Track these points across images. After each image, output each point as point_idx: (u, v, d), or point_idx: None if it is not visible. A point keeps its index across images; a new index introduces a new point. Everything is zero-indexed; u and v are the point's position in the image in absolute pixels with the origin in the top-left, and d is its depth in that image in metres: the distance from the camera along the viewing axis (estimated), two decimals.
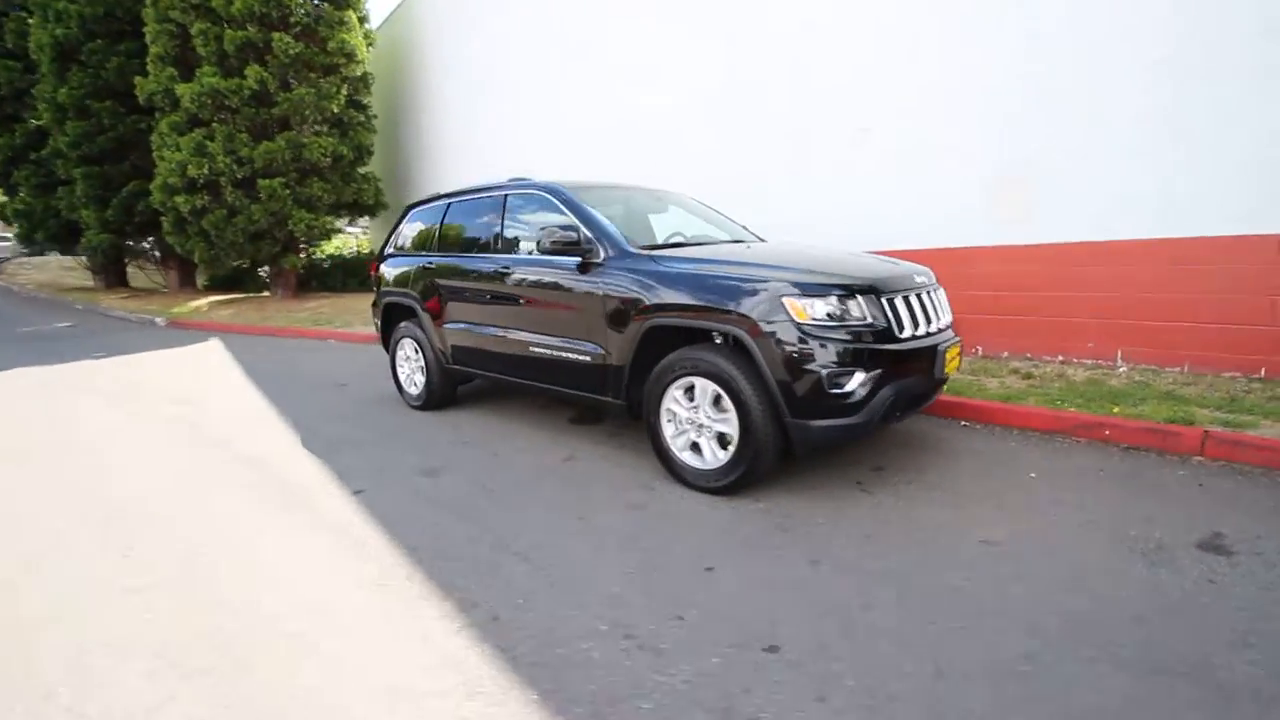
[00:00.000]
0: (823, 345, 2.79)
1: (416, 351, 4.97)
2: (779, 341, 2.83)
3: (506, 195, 4.30)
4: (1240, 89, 4.23)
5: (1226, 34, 4.26)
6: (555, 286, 3.77)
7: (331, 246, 15.56)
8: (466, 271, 4.42)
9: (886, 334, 2.92)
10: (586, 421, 4.51)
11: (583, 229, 3.61)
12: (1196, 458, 3.40)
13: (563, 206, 3.86)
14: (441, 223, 4.81)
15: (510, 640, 2.04)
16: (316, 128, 11.98)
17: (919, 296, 3.17)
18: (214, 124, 11.13)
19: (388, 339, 5.35)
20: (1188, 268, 4.51)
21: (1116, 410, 3.86)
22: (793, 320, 2.82)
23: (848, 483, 3.20)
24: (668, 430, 3.26)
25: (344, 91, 11.83)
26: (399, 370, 5.20)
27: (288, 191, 11.30)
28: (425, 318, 4.77)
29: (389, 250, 5.35)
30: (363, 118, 12.73)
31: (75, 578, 2.53)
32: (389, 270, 5.23)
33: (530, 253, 4.05)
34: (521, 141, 10.59)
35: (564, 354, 3.73)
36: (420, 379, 4.97)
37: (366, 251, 17.49)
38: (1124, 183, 4.70)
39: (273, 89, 11.08)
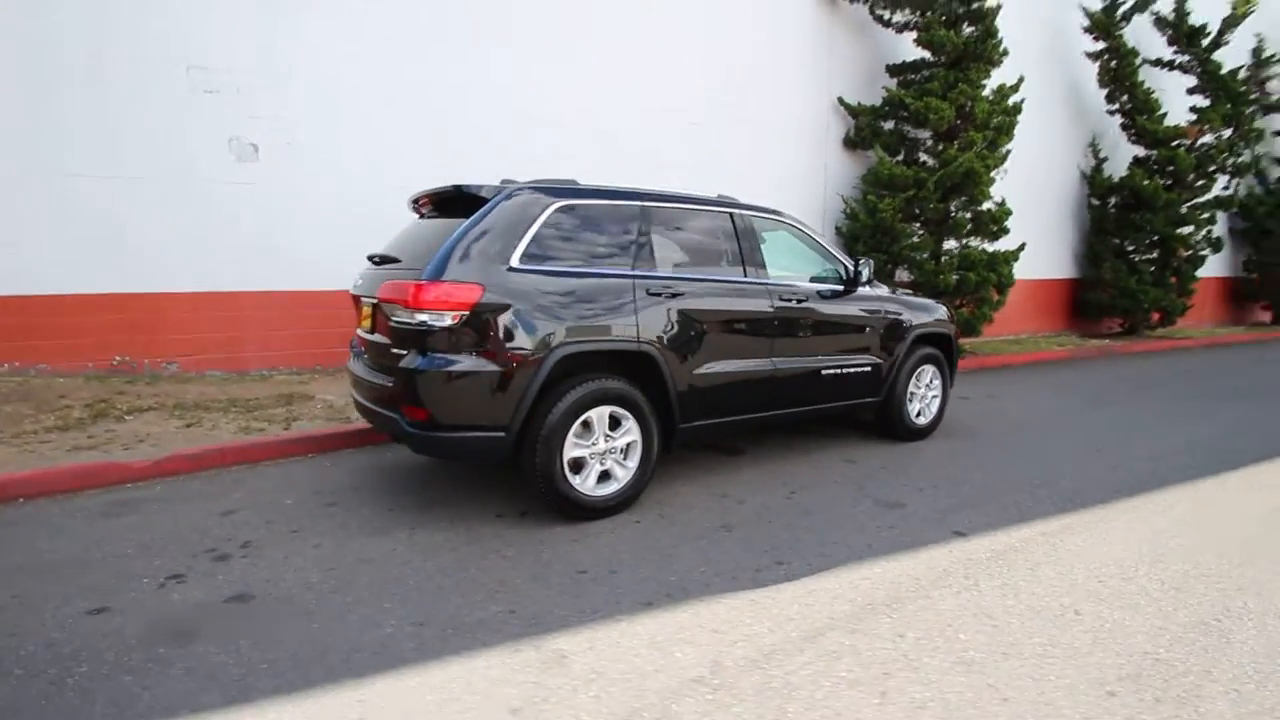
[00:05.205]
0: None
1: (623, 425, 3.26)
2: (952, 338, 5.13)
3: (736, 213, 3.93)
4: None
5: None
6: (847, 311, 4.49)
7: None
8: (736, 298, 3.77)
9: None
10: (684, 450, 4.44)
11: (846, 260, 4.32)
12: None
13: (816, 238, 4.36)
14: (650, 233, 3.43)
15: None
16: None
17: None
18: None
19: (525, 414, 2.99)
20: None
21: None
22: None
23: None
24: (912, 407, 4.75)
25: None
26: (567, 465, 3.10)
27: None
28: (668, 366, 3.34)
29: (517, 263, 2.96)
30: None
31: None
32: (540, 300, 2.98)
33: (790, 279, 4.24)
34: None
35: (853, 369, 4.37)
36: (627, 462, 3.31)
37: None
38: None
39: None
